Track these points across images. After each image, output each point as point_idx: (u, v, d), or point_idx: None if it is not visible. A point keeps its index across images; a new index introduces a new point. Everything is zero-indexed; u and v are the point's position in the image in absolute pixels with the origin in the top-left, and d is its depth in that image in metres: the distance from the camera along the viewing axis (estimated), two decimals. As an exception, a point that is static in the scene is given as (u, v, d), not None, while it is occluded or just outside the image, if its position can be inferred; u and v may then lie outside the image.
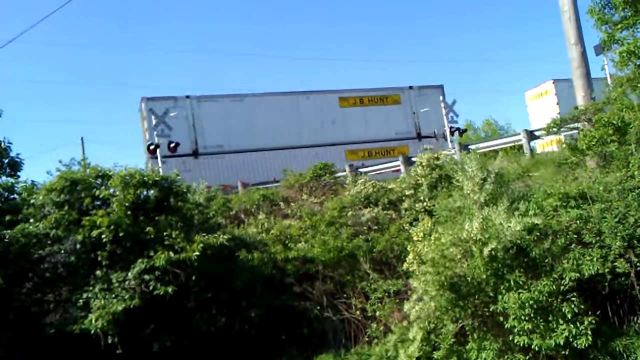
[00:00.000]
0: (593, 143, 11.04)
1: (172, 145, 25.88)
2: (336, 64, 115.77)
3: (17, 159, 16.04)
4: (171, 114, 26.79)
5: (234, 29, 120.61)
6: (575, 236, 9.23)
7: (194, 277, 11.92)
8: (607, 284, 8.96)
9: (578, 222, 9.37)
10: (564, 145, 13.87)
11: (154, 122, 25.79)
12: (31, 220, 12.44)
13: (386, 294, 12.17)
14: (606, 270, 8.80)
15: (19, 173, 15.92)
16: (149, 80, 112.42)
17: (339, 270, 13.24)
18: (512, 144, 23.08)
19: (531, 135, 20.31)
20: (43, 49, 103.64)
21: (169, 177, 13.75)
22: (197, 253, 11.65)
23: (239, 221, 17.28)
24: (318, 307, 12.91)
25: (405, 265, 10.69)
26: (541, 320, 8.65)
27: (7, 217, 12.24)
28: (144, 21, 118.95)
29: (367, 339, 12.27)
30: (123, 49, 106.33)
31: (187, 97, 30.18)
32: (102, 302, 11.30)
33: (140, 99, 29.69)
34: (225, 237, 12.79)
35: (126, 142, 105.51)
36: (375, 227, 13.97)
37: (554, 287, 8.65)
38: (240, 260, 13.42)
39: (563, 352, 8.65)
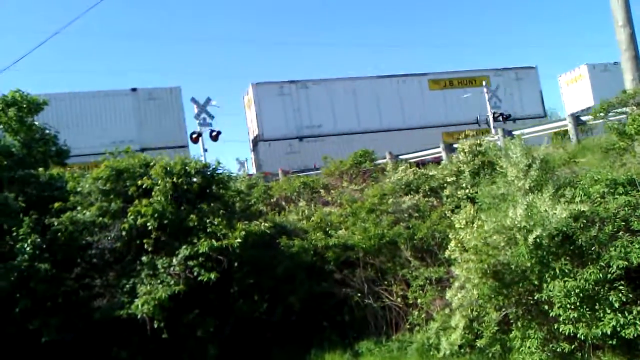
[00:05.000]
0: (643, 128, 10.71)
1: (214, 133, 25.92)
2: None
3: (63, 147, 16.45)
4: (213, 103, 26.87)
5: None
6: (624, 223, 8.97)
7: (236, 264, 12.10)
8: (657, 272, 8.72)
9: (626, 209, 9.10)
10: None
11: (195, 110, 25.93)
12: (78, 208, 12.70)
13: (428, 282, 12.11)
14: (656, 258, 8.55)
15: (65, 161, 16.34)
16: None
17: (379, 258, 13.20)
18: (558, 130, 22.45)
19: (577, 121, 19.76)
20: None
21: (211, 165, 13.92)
22: (239, 240, 11.78)
23: (280, 208, 17.36)
24: (359, 294, 12.91)
25: (447, 253, 10.64)
26: (587, 309, 8.50)
27: (56, 205, 12.51)
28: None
29: (408, 326, 12.25)
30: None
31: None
32: (148, 287, 11.50)
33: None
34: (266, 224, 12.91)
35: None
36: (416, 215, 13.83)
37: (601, 275, 8.48)
38: (281, 247, 13.49)
39: (610, 342, 8.51)
